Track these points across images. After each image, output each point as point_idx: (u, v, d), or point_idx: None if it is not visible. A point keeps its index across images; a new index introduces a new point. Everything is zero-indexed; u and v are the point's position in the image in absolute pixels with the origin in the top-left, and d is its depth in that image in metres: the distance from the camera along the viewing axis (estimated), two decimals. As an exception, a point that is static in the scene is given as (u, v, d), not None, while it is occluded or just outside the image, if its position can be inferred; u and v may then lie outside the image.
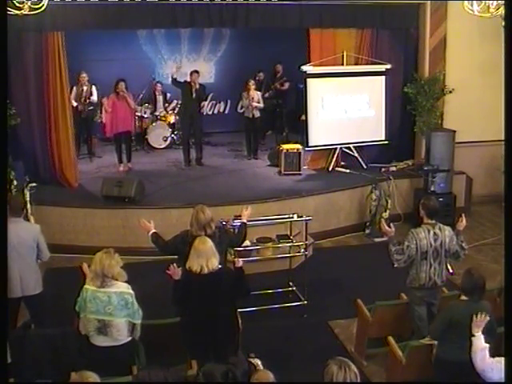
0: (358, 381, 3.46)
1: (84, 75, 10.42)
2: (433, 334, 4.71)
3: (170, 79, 10.19)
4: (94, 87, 10.56)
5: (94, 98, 10.59)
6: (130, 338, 4.71)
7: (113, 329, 4.60)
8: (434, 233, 5.31)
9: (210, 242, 4.76)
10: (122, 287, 4.64)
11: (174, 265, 4.78)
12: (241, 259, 4.99)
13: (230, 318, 4.90)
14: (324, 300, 6.91)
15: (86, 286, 4.64)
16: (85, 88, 10.45)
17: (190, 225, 5.38)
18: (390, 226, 5.46)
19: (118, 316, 4.60)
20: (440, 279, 5.40)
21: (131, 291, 4.68)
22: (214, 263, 4.69)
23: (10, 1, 5.85)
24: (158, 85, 11.83)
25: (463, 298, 4.59)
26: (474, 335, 4.29)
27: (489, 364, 4.12)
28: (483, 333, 4.40)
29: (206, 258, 4.66)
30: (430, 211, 5.38)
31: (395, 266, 5.43)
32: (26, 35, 8.29)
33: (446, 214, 8.33)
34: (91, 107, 10.65)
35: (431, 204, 5.39)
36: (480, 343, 4.22)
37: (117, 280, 4.62)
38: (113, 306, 4.57)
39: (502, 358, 4.09)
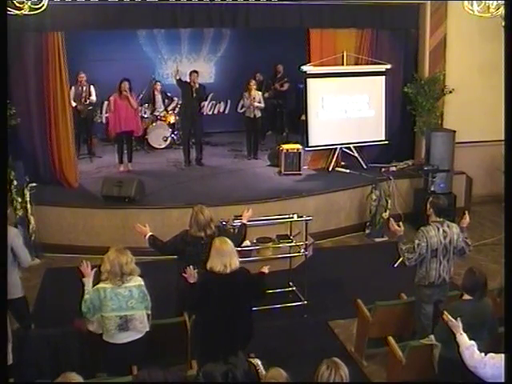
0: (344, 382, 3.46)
1: (82, 75, 10.41)
2: (439, 336, 4.69)
3: (175, 80, 10.16)
4: (92, 87, 10.55)
5: (93, 97, 10.58)
6: (148, 329, 4.78)
7: (136, 322, 4.65)
8: (443, 230, 5.38)
9: (230, 242, 4.78)
10: (139, 280, 4.72)
11: (191, 267, 4.76)
12: (266, 267, 5.03)
13: (249, 316, 4.92)
14: (324, 300, 6.91)
15: (102, 286, 4.62)
16: (83, 88, 10.44)
17: (189, 226, 5.38)
18: (398, 225, 5.50)
19: (139, 308, 4.67)
20: (448, 276, 5.47)
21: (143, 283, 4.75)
22: (236, 262, 4.72)
23: (10, 1, 5.84)
24: (158, 84, 11.83)
25: (466, 297, 4.60)
26: (456, 336, 4.29)
27: (479, 360, 4.12)
28: (486, 331, 4.46)
29: (229, 257, 4.68)
30: (438, 209, 5.45)
31: (406, 264, 5.47)
32: (26, 35, 8.28)
33: (447, 214, 8.29)
34: (90, 107, 10.64)
35: (440, 202, 5.48)
36: (464, 341, 4.24)
37: (133, 275, 4.68)
38: (135, 300, 4.64)
39: (496, 355, 4.09)
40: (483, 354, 4.14)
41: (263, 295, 5.01)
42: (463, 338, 4.25)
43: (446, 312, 4.50)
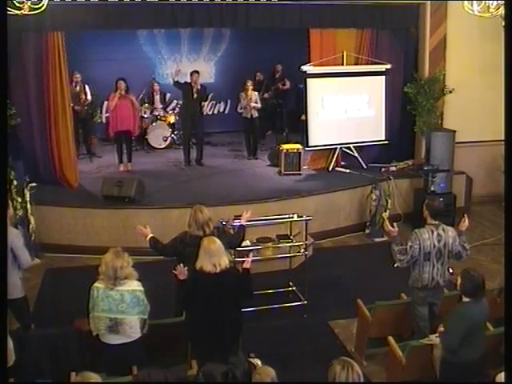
0: (361, 381, 3.46)
1: (77, 75, 10.36)
2: (451, 345, 4.53)
3: (172, 81, 10.15)
4: (87, 87, 10.53)
5: (89, 97, 10.57)
6: (141, 334, 4.73)
7: (126, 326, 4.62)
8: (438, 233, 5.31)
9: (218, 241, 4.76)
10: (134, 285, 4.65)
11: (181, 265, 4.77)
12: (249, 260, 4.94)
13: (237, 317, 4.90)
14: (324, 300, 6.91)
15: (96, 285, 4.63)
16: (78, 88, 10.40)
17: (188, 225, 5.38)
18: (393, 226, 5.47)
19: (131, 314, 4.62)
20: (442, 279, 5.41)
21: (142, 288, 4.69)
22: (226, 261, 4.71)
23: (10, 1, 5.84)
24: (155, 84, 11.81)
25: (465, 299, 4.55)
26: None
27: None
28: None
29: (218, 256, 4.66)
30: (434, 212, 5.39)
31: (398, 265, 5.43)
32: (26, 35, 8.27)
33: (446, 214, 8.26)
34: (87, 107, 10.61)
35: (435, 204, 5.42)
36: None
37: (128, 279, 4.64)
38: (126, 304, 4.59)
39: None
40: None
41: (251, 295, 4.94)
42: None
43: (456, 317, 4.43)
